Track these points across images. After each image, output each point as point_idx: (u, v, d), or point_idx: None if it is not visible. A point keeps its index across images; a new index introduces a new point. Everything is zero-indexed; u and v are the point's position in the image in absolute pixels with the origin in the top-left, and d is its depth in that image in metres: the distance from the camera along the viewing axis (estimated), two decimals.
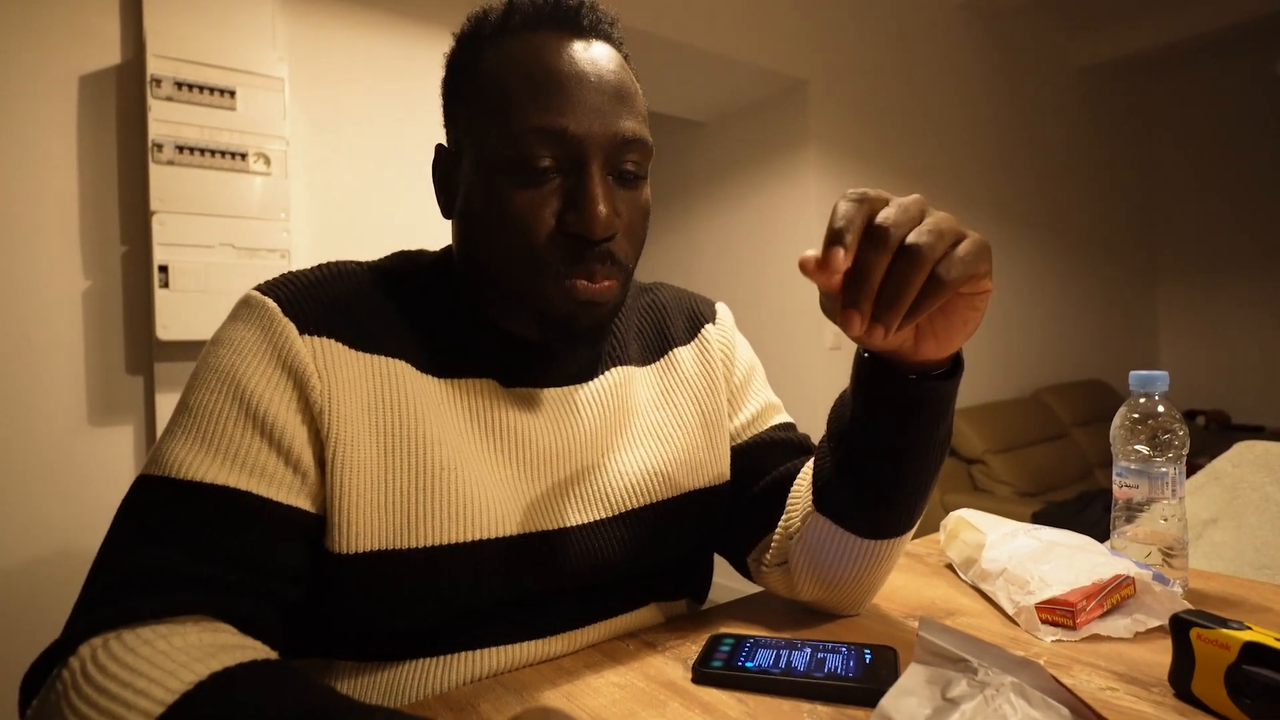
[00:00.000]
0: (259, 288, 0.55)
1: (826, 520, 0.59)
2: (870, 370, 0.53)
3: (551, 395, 0.61)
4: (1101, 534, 0.75)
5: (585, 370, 0.64)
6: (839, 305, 0.42)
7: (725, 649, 0.55)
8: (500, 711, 0.50)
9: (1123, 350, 4.33)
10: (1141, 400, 0.70)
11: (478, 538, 0.54)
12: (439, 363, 0.58)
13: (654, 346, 0.70)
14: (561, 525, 0.59)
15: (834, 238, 0.41)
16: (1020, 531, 0.72)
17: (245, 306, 0.54)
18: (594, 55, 0.55)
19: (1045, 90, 3.83)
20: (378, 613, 0.53)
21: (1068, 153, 3.96)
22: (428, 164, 0.60)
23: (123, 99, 1.47)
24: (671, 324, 0.72)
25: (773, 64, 2.62)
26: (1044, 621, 0.60)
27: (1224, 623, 0.47)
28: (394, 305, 0.58)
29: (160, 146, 1.41)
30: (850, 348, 2.76)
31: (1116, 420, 0.71)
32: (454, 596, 0.54)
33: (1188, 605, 0.58)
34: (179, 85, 1.43)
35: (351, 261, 0.60)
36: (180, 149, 1.43)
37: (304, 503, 0.51)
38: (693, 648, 0.58)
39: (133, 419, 1.47)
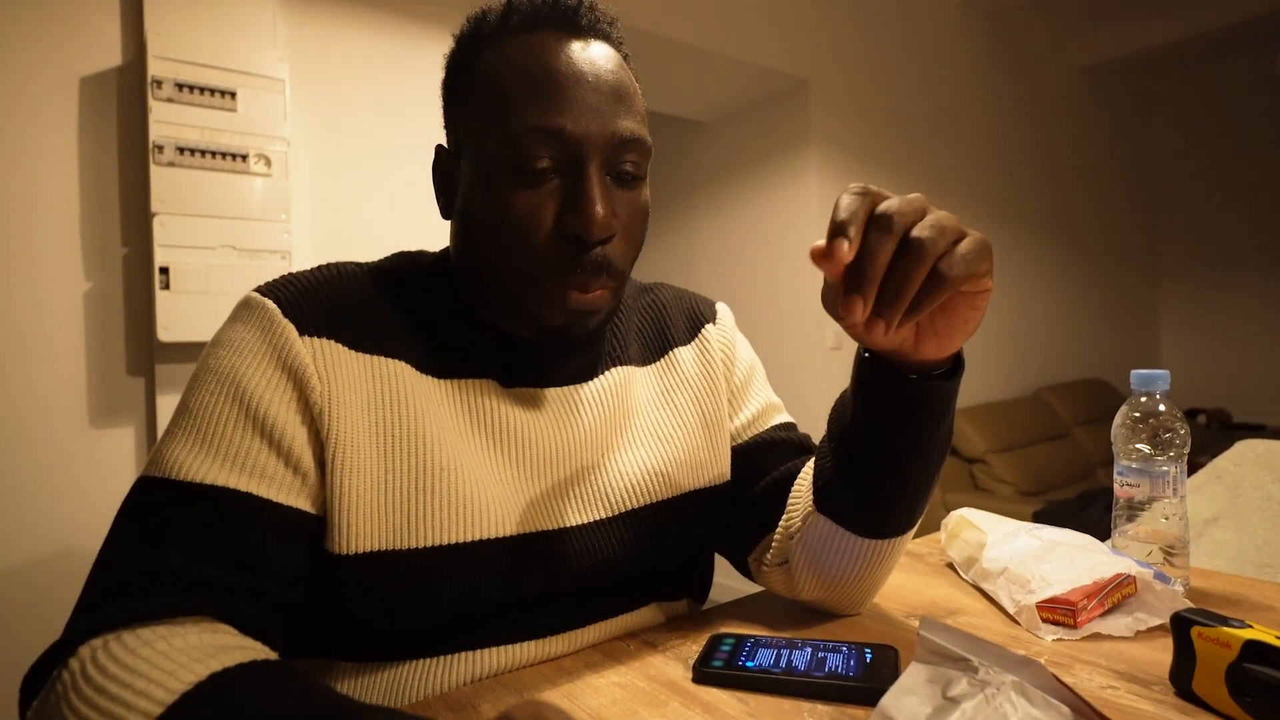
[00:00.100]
0: (259, 289, 0.55)
1: (827, 520, 0.59)
2: (871, 370, 0.53)
3: (551, 395, 0.61)
4: (1103, 533, 0.75)
5: (585, 370, 0.64)
6: (841, 297, 0.42)
7: (726, 649, 0.55)
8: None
9: (1124, 349, 4.32)
10: (1143, 399, 0.70)
11: (478, 538, 0.54)
12: (439, 363, 0.58)
13: (654, 346, 0.70)
14: (561, 525, 0.59)
15: (838, 229, 0.41)
16: (1021, 531, 0.72)
17: (245, 308, 0.54)
18: (592, 55, 0.55)
19: (1047, 89, 3.83)
20: (378, 613, 0.53)
21: (1070, 152, 3.96)
22: (428, 165, 0.60)
23: (123, 100, 1.47)
24: (672, 324, 0.72)
25: (774, 63, 2.62)
26: (1045, 620, 0.60)
27: (1225, 621, 0.47)
28: (394, 306, 0.58)
29: (161, 148, 1.41)
30: (850, 348, 2.76)
31: (1118, 419, 0.71)
32: (454, 597, 0.54)
33: (1189, 604, 0.58)
34: (180, 86, 1.43)
35: (351, 263, 0.60)
36: (181, 150, 1.43)
37: (304, 504, 0.51)
38: (693, 647, 0.58)
39: (133, 420, 1.47)
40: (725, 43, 2.48)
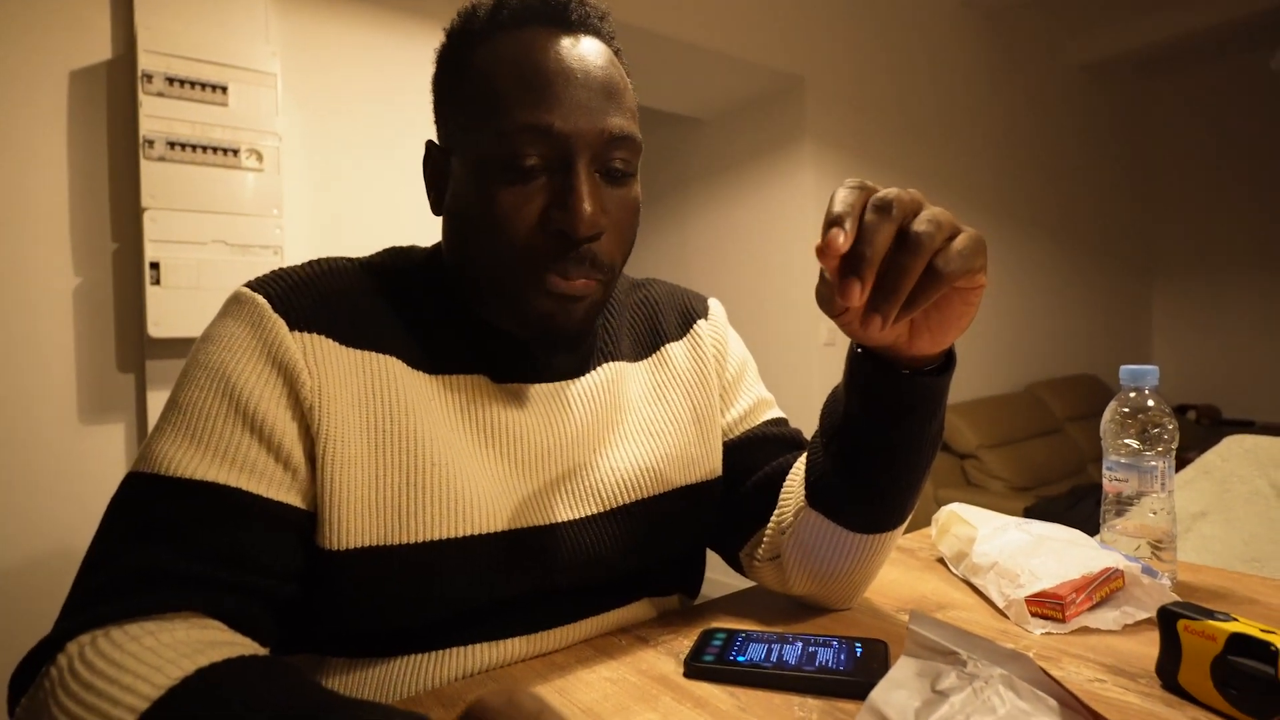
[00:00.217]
0: (249, 284, 0.55)
1: (819, 515, 0.59)
2: (864, 365, 0.53)
3: (542, 391, 0.61)
4: (1094, 528, 0.75)
5: (576, 366, 0.64)
6: (836, 289, 0.42)
7: (717, 643, 0.55)
8: None
9: (1116, 345, 4.35)
10: (1132, 394, 0.71)
11: (469, 533, 0.54)
12: (430, 359, 0.58)
13: (646, 342, 0.70)
14: (553, 521, 0.59)
15: (834, 221, 0.41)
16: (1011, 526, 0.73)
17: (235, 303, 0.54)
18: (582, 51, 0.55)
19: (1042, 87, 3.84)
20: (369, 609, 0.53)
21: (1064, 149, 3.97)
22: (420, 160, 0.60)
23: (113, 94, 1.46)
24: (664, 320, 0.72)
25: (769, 60, 2.62)
26: (1034, 614, 0.60)
27: (1210, 614, 0.47)
28: (385, 302, 0.58)
29: (151, 142, 1.40)
30: (844, 344, 2.76)
31: (1107, 414, 0.72)
32: (445, 592, 0.54)
33: (1176, 598, 0.59)
34: (170, 81, 1.42)
35: (342, 258, 0.60)
36: (172, 145, 1.42)
37: (295, 499, 0.51)
38: (685, 642, 0.58)
39: (124, 417, 1.47)
40: (720, 39, 2.48)
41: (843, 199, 0.42)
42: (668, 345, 0.71)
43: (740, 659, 0.52)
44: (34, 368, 1.37)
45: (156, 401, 1.46)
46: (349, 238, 1.72)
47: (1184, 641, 0.48)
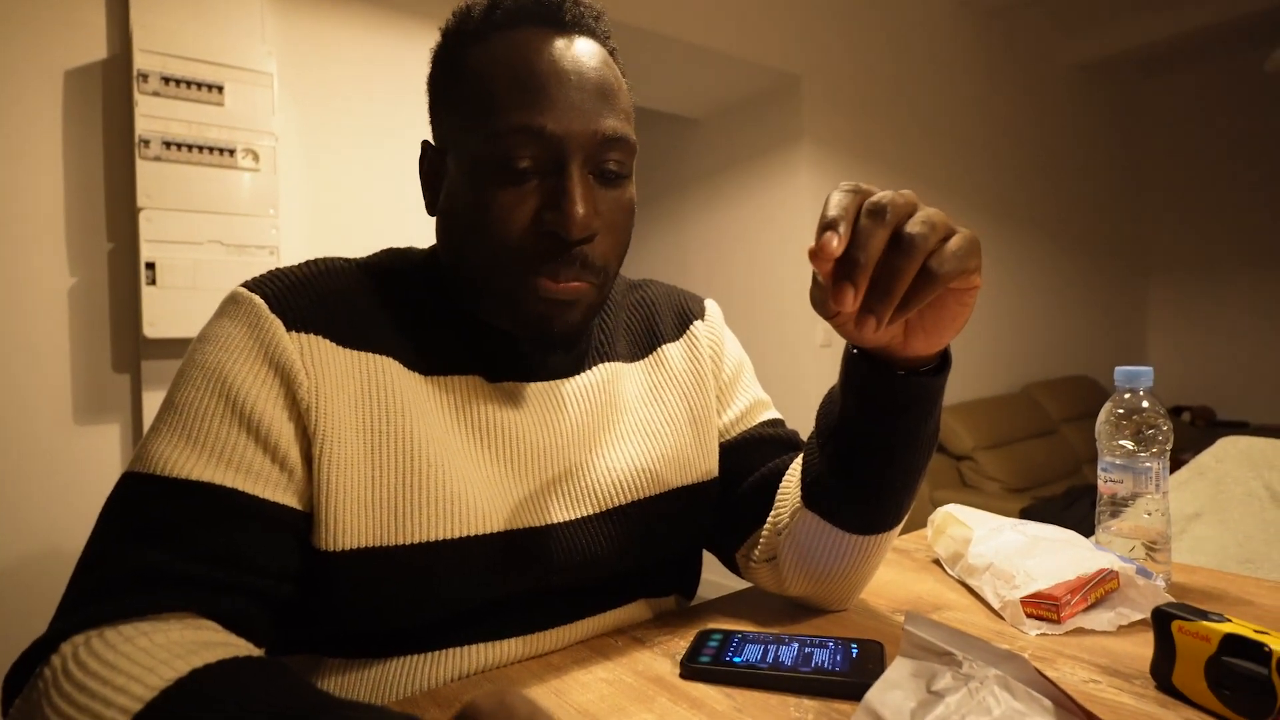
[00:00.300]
0: (246, 284, 0.55)
1: (815, 516, 0.59)
2: (859, 366, 0.53)
3: (537, 390, 0.61)
4: (1089, 529, 0.75)
5: (572, 365, 0.64)
6: (830, 292, 0.43)
7: (713, 644, 0.55)
8: None
9: (1111, 347, 4.36)
10: (1127, 395, 0.71)
11: (465, 534, 0.54)
12: (426, 360, 0.58)
13: (642, 343, 0.70)
14: (548, 522, 0.59)
15: (828, 225, 0.41)
16: (1006, 526, 0.73)
17: (232, 303, 0.54)
18: (576, 52, 0.55)
19: (1037, 87, 3.85)
20: (365, 610, 0.53)
21: (1059, 150, 3.98)
22: (416, 160, 0.60)
23: (109, 94, 1.46)
24: (660, 321, 0.72)
25: (765, 59, 2.63)
26: (1029, 615, 0.60)
27: (1205, 615, 0.47)
28: (382, 302, 0.58)
29: (147, 142, 1.40)
30: (839, 345, 2.76)
31: (1102, 415, 0.72)
32: (441, 593, 0.54)
33: (1170, 599, 0.59)
34: (166, 80, 1.42)
35: (339, 258, 0.60)
36: (167, 145, 1.42)
37: (291, 500, 0.51)
38: (681, 643, 0.58)
39: (119, 417, 1.46)
40: (716, 38, 2.48)
41: (837, 203, 0.42)
42: (664, 346, 0.71)
43: (736, 660, 0.52)
44: (29, 368, 1.37)
45: (152, 402, 1.45)
46: (345, 238, 1.72)
47: (1178, 642, 0.48)
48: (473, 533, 0.55)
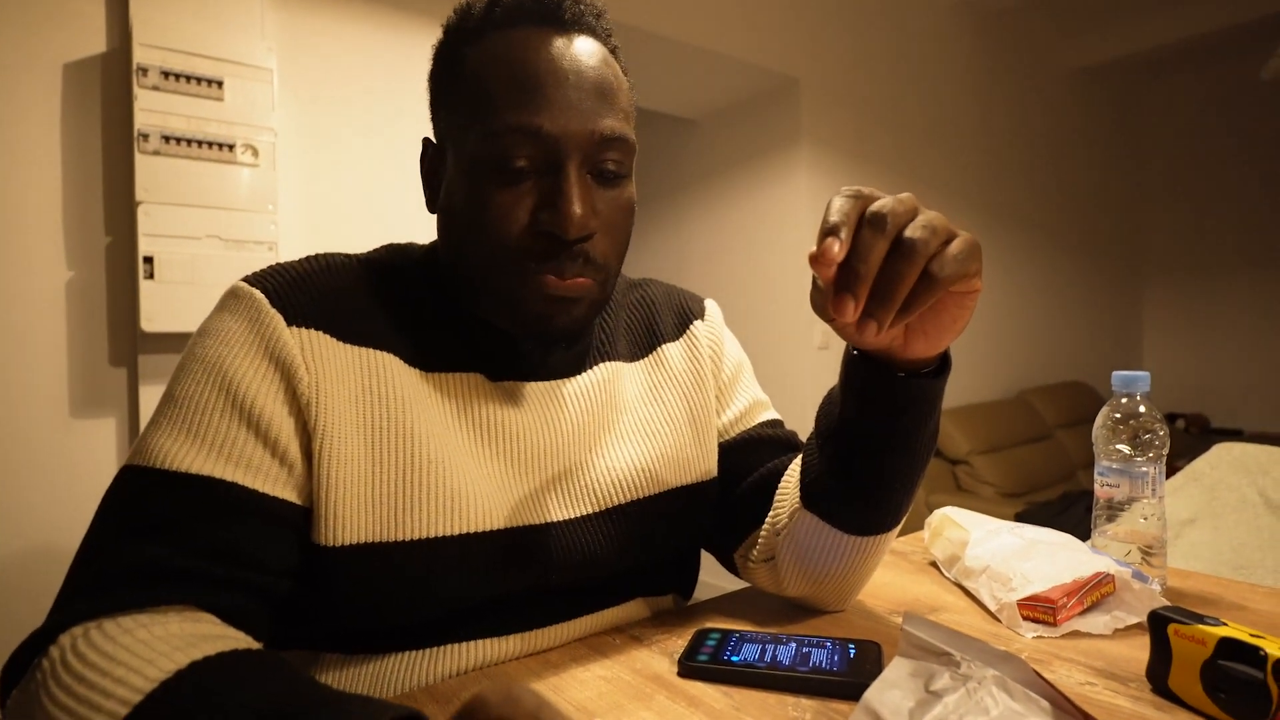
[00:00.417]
0: (246, 279, 0.55)
1: (814, 516, 0.59)
2: (859, 368, 0.53)
3: (537, 389, 0.61)
4: (1083, 535, 0.76)
5: (572, 365, 0.64)
6: (830, 300, 0.43)
7: (711, 643, 0.55)
8: None
9: (1107, 353, 4.37)
10: (1123, 400, 0.71)
11: (464, 531, 0.54)
12: (426, 356, 0.58)
13: (642, 343, 0.70)
14: (547, 520, 0.59)
15: (829, 230, 0.41)
16: (1003, 529, 0.73)
17: (233, 297, 0.54)
18: (575, 51, 0.54)
19: (1036, 91, 3.86)
20: (364, 606, 0.53)
21: (1057, 154, 3.99)
22: (416, 156, 0.60)
23: (108, 88, 1.45)
24: (660, 320, 0.72)
25: (764, 61, 2.63)
26: (1025, 618, 0.61)
27: (1201, 619, 0.48)
28: (382, 298, 0.58)
29: (146, 136, 1.40)
30: (838, 347, 2.77)
31: (1099, 420, 0.72)
32: (440, 590, 0.54)
33: (1166, 603, 0.59)
34: (165, 74, 1.42)
35: (340, 254, 0.60)
36: (166, 139, 1.42)
37: (290, 495, 0.51)
38: (679, 642, 0.58)
39: (116, 412, 1.46)
40: (715, 40, 2.49)
41: (839, 208, 0.42)
42: (664, 346, 0.71)
43: (734, 659, 0.53)
44: (26, 361, 1.36)
45: (149, 396, 1.45)
46: (344, 234, 1.71)
47: (1174, 645, 0.48)
48: (472, 530, 0.55)
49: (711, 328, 0.74)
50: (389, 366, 0.55)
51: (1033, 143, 3.83)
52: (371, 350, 0.55)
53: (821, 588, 0.63)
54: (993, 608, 0.64)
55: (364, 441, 0.52)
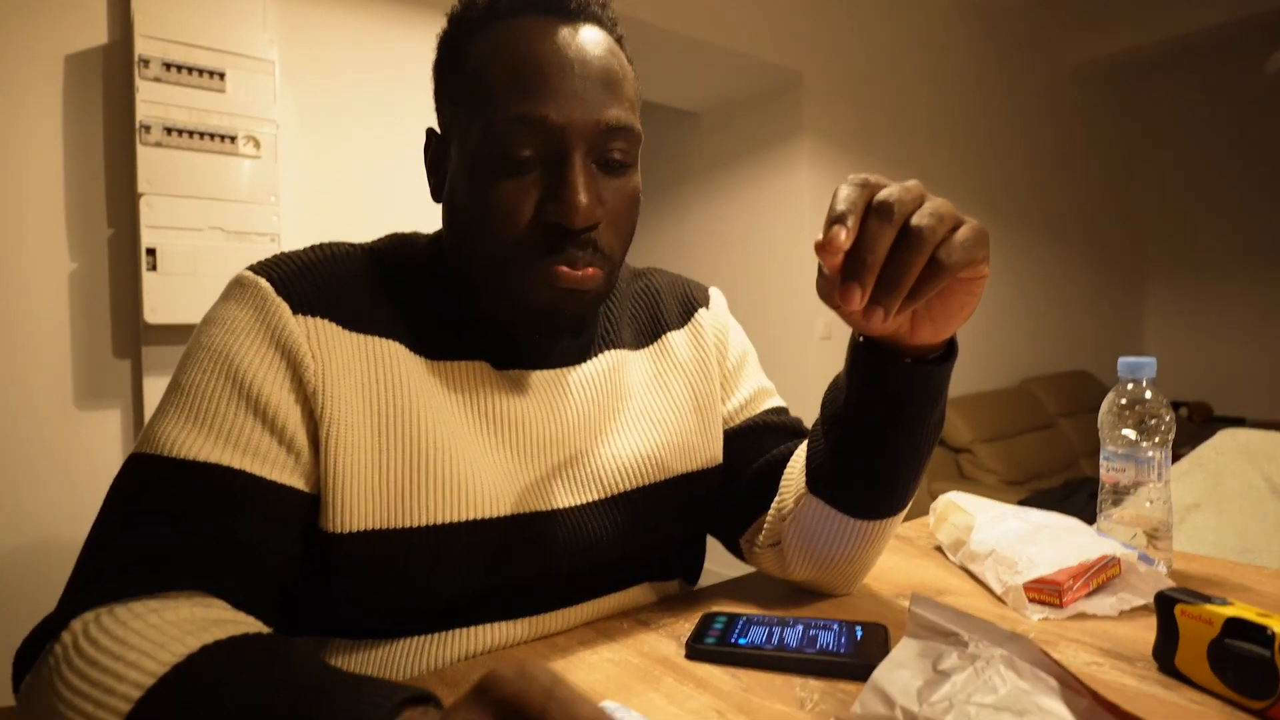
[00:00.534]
0: (252, 267, 0.55)
1: (819, 501, 0.59)
2: (866, 354, 0.53)
3: (543, 378, 0.61)
4: (1087, 522, 0.76)
5: (577, 353, 0.64)
6: (837, 288, 0.43)
7: (719, 626, 0.55)
8: None
9: (1110, 343, 4.37)
10: (1129, 386, 0.71)
11: (471, 518, 0.55)
12: (431, 345, 0.58)
13: (647, 331, 0.70)
14: (554, 507, 0.59)
15: (836, 219, 0.41)
16: (1009, 514, 0.73)
17: (238, 286, 0.54)
18: (580, 40, 0.54)
19: (1039, 85, 3.85)
20: (372, 592, 0.53)
21: (1060, 147, 3.98)
22: (419, 147, 0.60)
23: (109, 79, 1.45)
24: (665, 308, 0.72)
25: (767, 55, 2.62)
26: (1031, 600, 0.61)
27: (1207, 599, 0.48)
28: (387, 287, 0.58)
29: (148, 128, 1.40)
30: (841, 337, 2.77)
31: (1104, 406, 0.72)
32: (447, 576, 0.54)
33: (1172, 585, 0.59)
34: (167, 66, 1.42)
35: (345, 243, 0.60)
36: (168, 131, 1.41)
37: (298, 482, 0.51)
38: (686, 625, 0.59)
39: (120, 403, 1.46)
40: (718, 33, 2.47)
41: (845, 197, 0.42)
42: (669, 334, 0.71)
43: (741, 641, 0.53)
44: (30, 354, 1.37)
45: (153, 387, 1.45)
46: (346, 226, 1.71)
47: (1181, 625, 0.48)
48: (479, 516, 0.55)
49: (716, 316, 0.74)
50: (394, 355, 0.55)
51: (1036, 136, 3.82)
52: (377, 338, 0.55)
53: (827, 572, 0.63)
54: (998, 591, 0.64)
55: (370, 429, 0.53)
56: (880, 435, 0.55)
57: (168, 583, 0.44)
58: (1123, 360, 0.72)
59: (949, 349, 0.54)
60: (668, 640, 0.56)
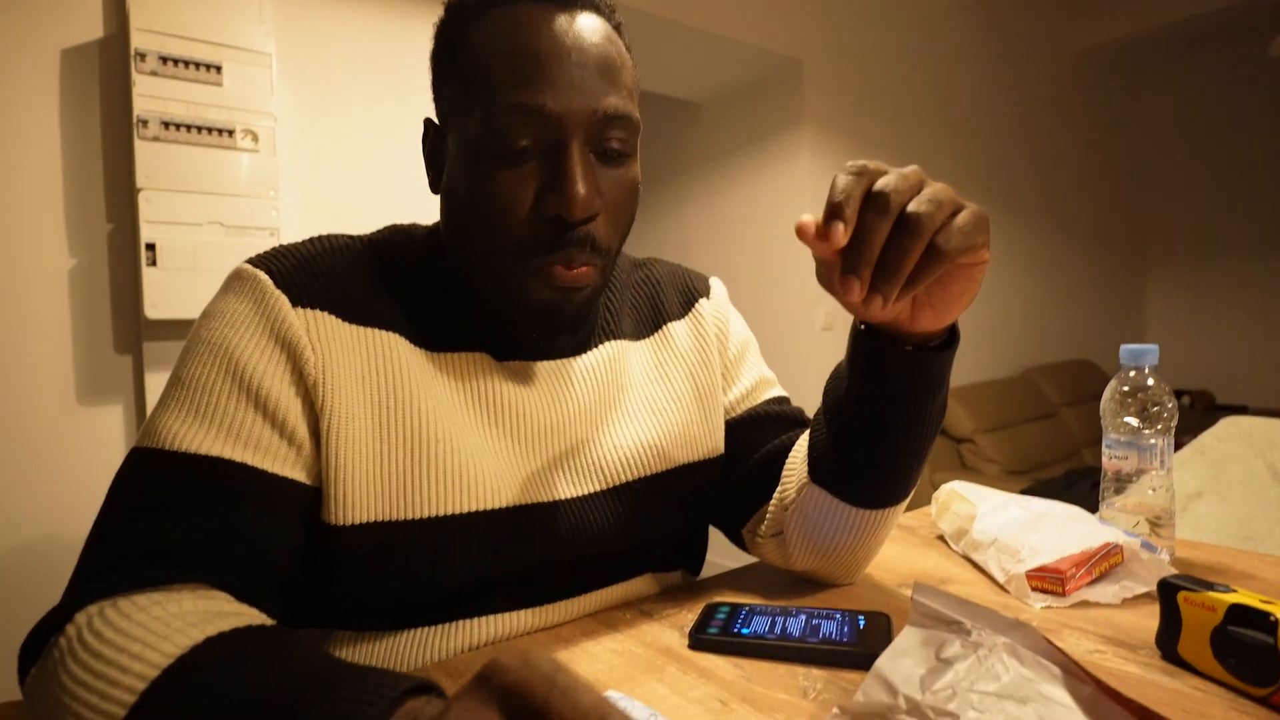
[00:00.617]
0: (251, 260, 0.55)
1: (821, 490, 0.59)
2: (867, 342, 0.53)
3: (544, 368, 0.61)
4: (1089, 510, 0.76)
5: (578, 344, 0.63)
6: (837, 275, 0.42)
7: (721, 616, 0.55)
8: None
9: (1111, 331, 4.36)
10: (1132, 373, 0.71)
11: (473, 509, 0.55)
12: (432, 336, 0.57)
13: (648, 321, 0.70)
14: (555, 498, 0.59)
15: (834, 211, 0.41)
16: (1011, 503, 0.73)
17: (238, 279, 0.54)
18: (577, 28, 0.54)
19: (1040, 72, 3.82)
20: (374, 584, 0.53)
21: (1062, 135, 3.96)
22: (417, 140, 0.60)
23: (106, 74, 1.44)
24: (665, 299, 0.72)
25: (767, 43, 2.60)
26: (1034, 589, 0.61)
27: (1210, 586, 0.48)
28: (387, 279, 0.58)
29: (145, 122, 1.39)
30: (842, 328, 2.77)
31: (1107, 393, 0.72)
32: (450, 567, 0.54)
33: (1174, 572, 0.59)
34: (164, 60, 1.41)
35: (344, 235, 0.60)
36: (166, 125, 1.41)
37: (299, 474, 0.51)
38: (689, 616, 0.59)
39: (121, 398, 1.46)
40: (717, 22, 2.46)
41: (843, 187, 0.41)
42: (670, 324, 0.71)
43: (744, 631, 0.53)
44: (31, 350, 1.37)
45: (153, 383, 1.45)
46: (346, 219, 1.71)
47: (1184, 613, 0.48)
48: (481, 508, 0.55)
49: (717, 306, 0.74)
50: (394, 346, 0.55)
51: (1037, 122, 3.80)
52: (377, 330, 0.55)
53: (830, 561, 0.63)
54: (1001, 579, 0.64)
55: (371, 421, 0.53)
56: (882, 424, 0.55)
57: (171, 576, 0.44)
58: (1125, 347, 0.72)
59: (950, 336, 0.54)
60: (671, 630, 0.56)
